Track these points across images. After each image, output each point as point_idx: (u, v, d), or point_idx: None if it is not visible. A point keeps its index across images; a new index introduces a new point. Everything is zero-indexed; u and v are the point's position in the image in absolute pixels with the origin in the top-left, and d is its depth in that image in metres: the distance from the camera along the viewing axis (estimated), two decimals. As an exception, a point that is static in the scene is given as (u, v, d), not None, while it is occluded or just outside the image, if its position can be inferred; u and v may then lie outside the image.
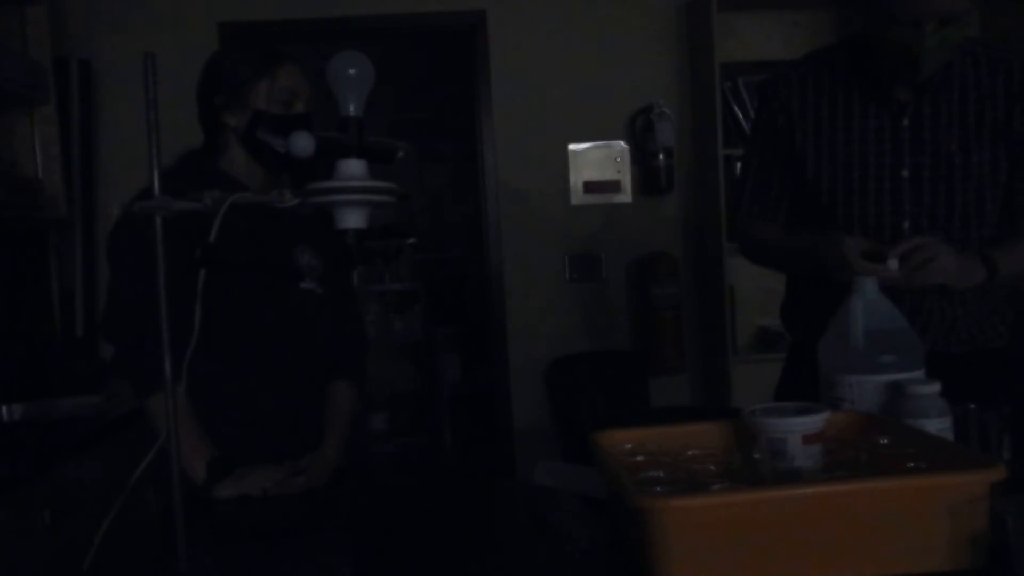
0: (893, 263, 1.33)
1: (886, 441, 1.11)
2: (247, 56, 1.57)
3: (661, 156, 3.42)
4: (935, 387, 1.17)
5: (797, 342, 1.69)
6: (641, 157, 3.49)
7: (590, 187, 3.52)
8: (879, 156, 1.51)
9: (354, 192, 1.05)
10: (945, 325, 1.51)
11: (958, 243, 1.49)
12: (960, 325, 1.53)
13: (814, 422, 1.05)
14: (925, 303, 1.51)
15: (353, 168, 1.05)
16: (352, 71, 1.04)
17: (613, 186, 3.53)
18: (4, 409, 2.45)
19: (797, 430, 1.05)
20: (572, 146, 3.51)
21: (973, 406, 1.22)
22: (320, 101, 1.48)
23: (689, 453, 1.15)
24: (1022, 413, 1.25)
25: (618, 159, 3.52)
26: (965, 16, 1.37)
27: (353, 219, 1.07)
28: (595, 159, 3.52)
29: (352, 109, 1.05)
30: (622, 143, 3.52)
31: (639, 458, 1.13)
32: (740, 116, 3.32)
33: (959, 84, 1.50)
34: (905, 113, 1.50)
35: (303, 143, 1.04)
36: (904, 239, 1.46)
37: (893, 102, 1.51)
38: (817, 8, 3.43)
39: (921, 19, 1.36)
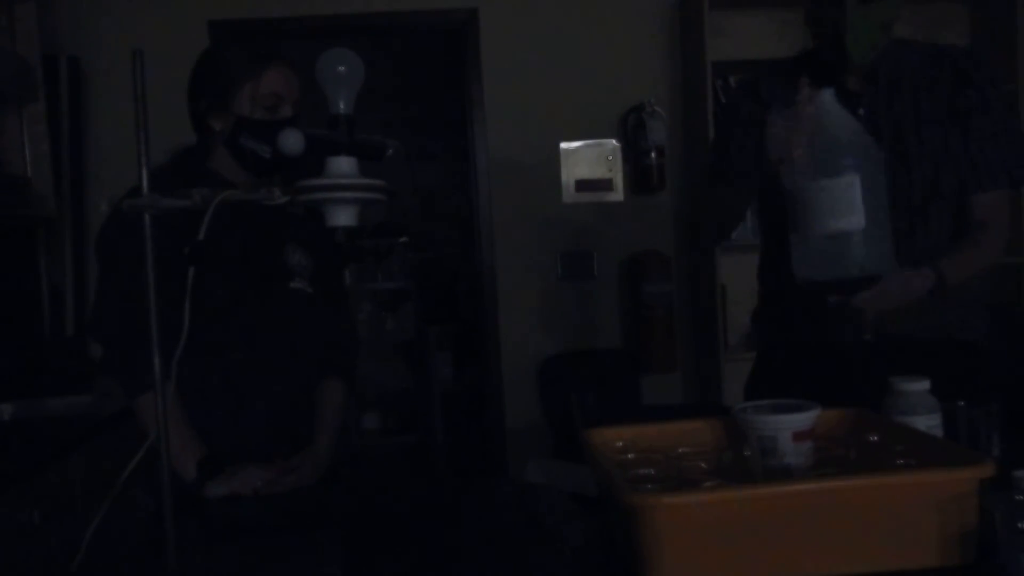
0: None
1: (876, 438, 1.11)
2: (233, 58, 1.54)
3: (653, 154, 3.43)
4: (925, 384, 1.17)
5: (766, 344, 1.72)
6: (633, 155, 3.49)
7: (582, 185, 3.52)
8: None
9: (344, 190, 1.05)
10: (913, 312, 1.52)
11: (919, 218, 1.53)
12: (931, 311, 1.54)
13: (804, 420, 1.06)
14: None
15: (343, 165, 1.05)
16: (341, 68, 1.04)
17: (605, 184, 3.53)
18: (-7, 408, 2.43)
19: (787, 428, 1.05)
20: (564, 144, 3.51)
21: (962, 403, 1.23)
22: (310, 99, 1.47)
23: (680, 451, 1.15)
24: (1010, 409, 1.26)
25: (610, 157, 3.52)
26: None
27: (343, 217, 1.07)
28: (587, 157, 3.52)
29: (342, 106, 1.05)
30: (614, 141, 3.52)
31: (630, 456, 1.14)
32: (731, 114, 3.32)
33: (909, 72, 1.56)
34: (861, 103, 1.55)
35: (292, 141, 1.03)
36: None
37: (849, 93, 1.53)
38: (808, 6, 3.44)
39: None
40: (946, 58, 1.57)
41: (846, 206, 1.23)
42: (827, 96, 1.28)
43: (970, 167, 1.54)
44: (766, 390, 1.57)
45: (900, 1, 1.44)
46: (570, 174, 3.52)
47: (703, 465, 1.10)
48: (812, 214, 1.25)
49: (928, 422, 1.15)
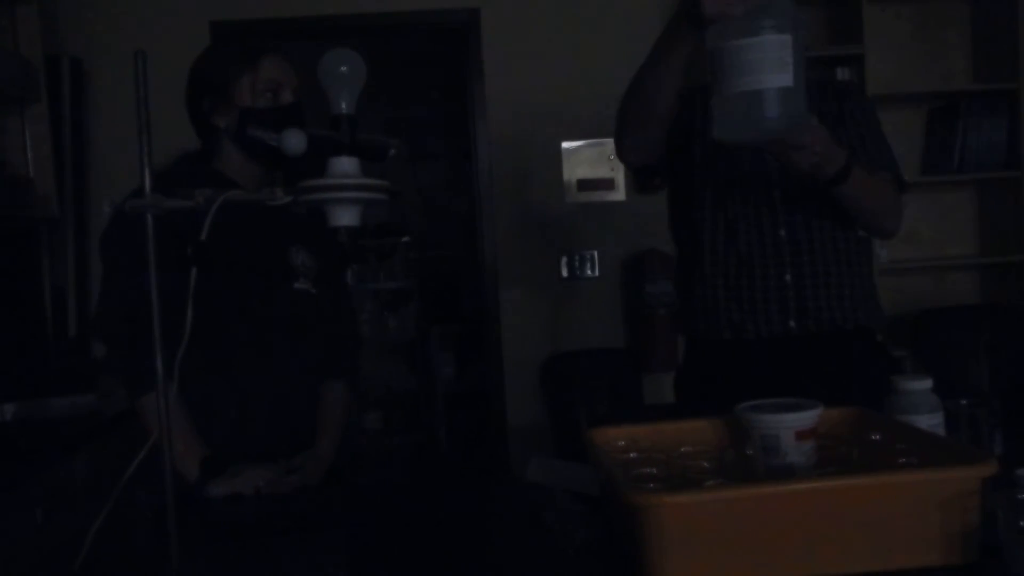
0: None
1: (878, 437, 1.11)
2: (227, 55, 1.56)
3: (654, 154, 3.42)
4: (927, 383, 1.17)
5: (691, 341, 1.76)
6: (634, 155, 3.49)
7: (584, 185, 3.52)
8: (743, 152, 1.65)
9: (346, 190, 1.05)
10: (818, 298, 1.61)
11: (824, 198, 1.59)
12: (835, 300, 1.62)
13: (807, 418, 1.06)
14: (805, 270, 1.61)
15: (345, 166, 1.05)
16: (344, 68, 1.04)
17: (607, 184, 3.53)
18: (-4, 409, 2.44)
19: (790, 426, 1.05)
20: (565, 144, 3.51)
21: (965, 401, 1.23)
22: (313, 100, 1.48)
23: (682, 450, 1.15)
24: (1012, 408, 1.26)
25: (611, 157, 3.49)
26: None
27: (346, 217, 1.07)
28: (588, 157, 3.52)
29: (344, 107, 1.05)
30: (615, 141, 3.52)
31: (633, 455, 1.14)
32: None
33: None
34: None
35: (295, 141, 1.03)
36: (777, 210, 1.61)
37: None
38: (807, 5, 3.43)
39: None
40: (828, 85, 1.73)
41: (780, 64, 1.26)
42: None
43: (862, 149, 1.63)
44: (697, 386, 1.68)
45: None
46: (572, 173, 3.52)
47: (705, 464, 1.10)
48: (741, 71, 1.27)
49: (930, 421, 1.15)
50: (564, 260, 3.53)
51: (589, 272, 3.55)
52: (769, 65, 1.25)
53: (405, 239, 4.92)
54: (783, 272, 1.61)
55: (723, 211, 1.65)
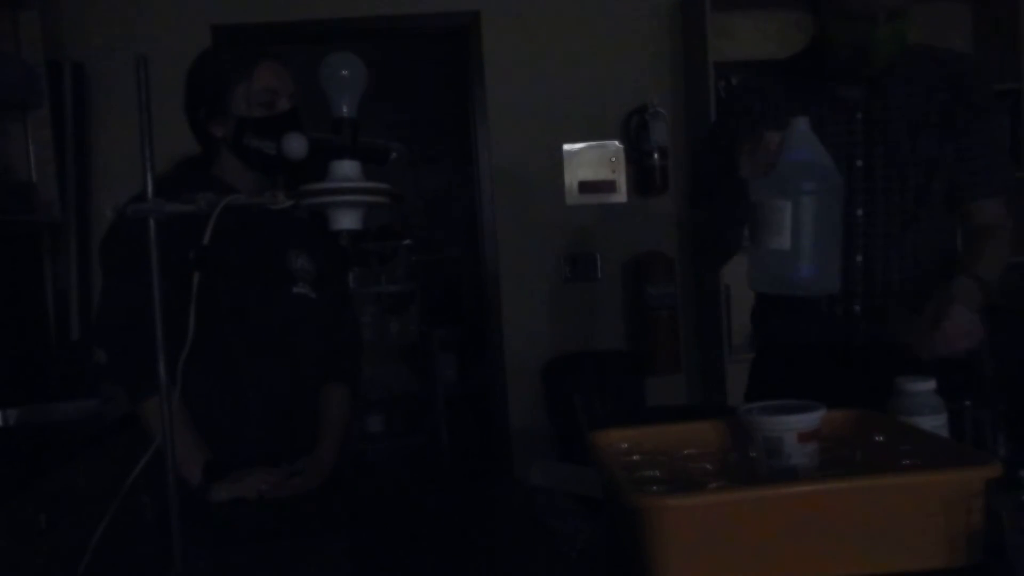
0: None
1: (882, 439, 1.11)
2: (222, 63, 1.55)
3: (656, 156, 3.42)
4: (930, 385, 1.17)
5: (764, 343, 1.78)
6: (636, 157, 3.49)
7: (585, 187, 3.52)
8: (835, 148, 1.57)
9: (347, 193, 1.05)
10: (882, 286, 1.58)
11: (908, 221, 1.58)
12: (888, 285, 1.59)
13: (810, 420, 1.06)
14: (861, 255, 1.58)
15: (347, 169, 1.05)
16: (345, 72, 1.04)
17: (608, 186, 3.53)
18: (-1, 413, 2.44)
19: (793, 428, 1.05)
20: (567, 146, 3.51)
21: (968, 403, 1.23)
22: (314, 103, 1.48)
23: (685, 452, 1.15)
24: (1016, 409, 1.26)
25: (613, 159, 3.52)
26: (910, 12, 1.47)
27: (347, 220, 1.07)
28: (590, 159, 3.52)
29: (345, 110, 1.05)
30: (617, 143, 3.52)
31: (635, 457, 1.14)
32: (734, 115, 3.32)
33: (904, 80, 1.57)
34: (858, 108, 1.58)
35: (296, 145, 1.03)
36: (857, 226, 1.56)
37: (841, 100, 1.58)
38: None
39: (874, 13, 1.44)
40: (944, 64, 1.59)
41: (816, 227, 1.28)
42: (801, 123, 1.32)
43: (968, 174, 1.57)
44: (764, 393, 1.63)
45: (914, 20, 1.48)
46: (573, 176, 3.52)
47: (708, 466, 1.10)
48: (776, 228, 1.30)
49: (933, 422, 1.15)
50: (565, 262, 3.53)
51: (590, 274, 3.55)
52: (806, 227, 1.28)
53: (406, 242, 4.93)
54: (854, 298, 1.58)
55: None
